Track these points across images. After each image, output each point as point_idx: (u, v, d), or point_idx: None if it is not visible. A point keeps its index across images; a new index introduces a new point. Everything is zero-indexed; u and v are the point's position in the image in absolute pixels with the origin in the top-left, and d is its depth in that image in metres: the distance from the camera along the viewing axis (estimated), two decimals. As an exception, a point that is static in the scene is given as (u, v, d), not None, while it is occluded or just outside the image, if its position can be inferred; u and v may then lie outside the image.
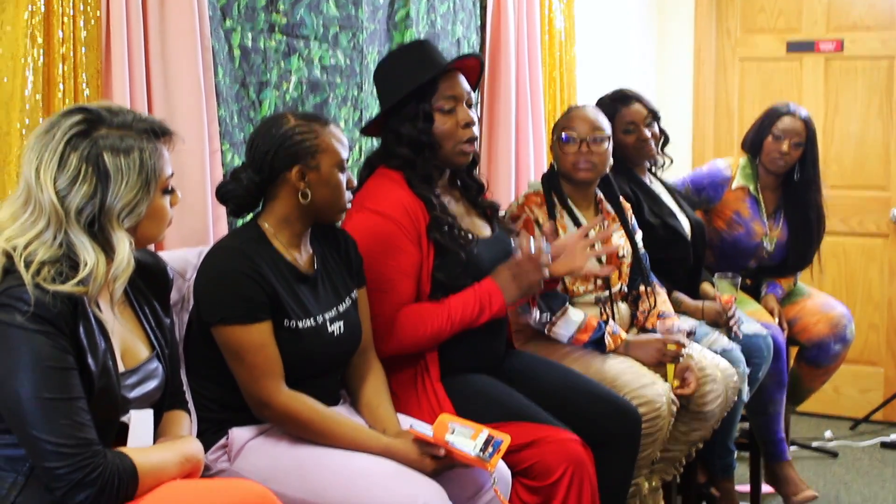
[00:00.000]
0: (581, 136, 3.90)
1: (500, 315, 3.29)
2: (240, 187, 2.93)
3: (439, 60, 3.39)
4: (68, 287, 2.20)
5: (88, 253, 2.25)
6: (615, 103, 4.54)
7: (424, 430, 2.95)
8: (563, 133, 3.94)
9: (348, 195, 2.99)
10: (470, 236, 3.35)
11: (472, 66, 3.50)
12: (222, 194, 2.97)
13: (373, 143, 4.08)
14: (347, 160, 2.98)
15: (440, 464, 2.86)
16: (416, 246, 3.26)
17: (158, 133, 2.39)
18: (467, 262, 3.29)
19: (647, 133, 4.51)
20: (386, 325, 3.22)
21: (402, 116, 3.35)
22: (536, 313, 3.40)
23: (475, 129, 3.38)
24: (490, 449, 2.86)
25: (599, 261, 3.85)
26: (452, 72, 3.38)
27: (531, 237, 3.29)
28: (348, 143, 3.02)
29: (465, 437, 2.88)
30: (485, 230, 3.49)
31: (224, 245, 2.93)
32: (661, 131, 4.63)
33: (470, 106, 3.38)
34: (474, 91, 3.48)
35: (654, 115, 4.56)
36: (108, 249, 2.29)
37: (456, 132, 3.34)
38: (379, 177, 3.38)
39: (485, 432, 2.90)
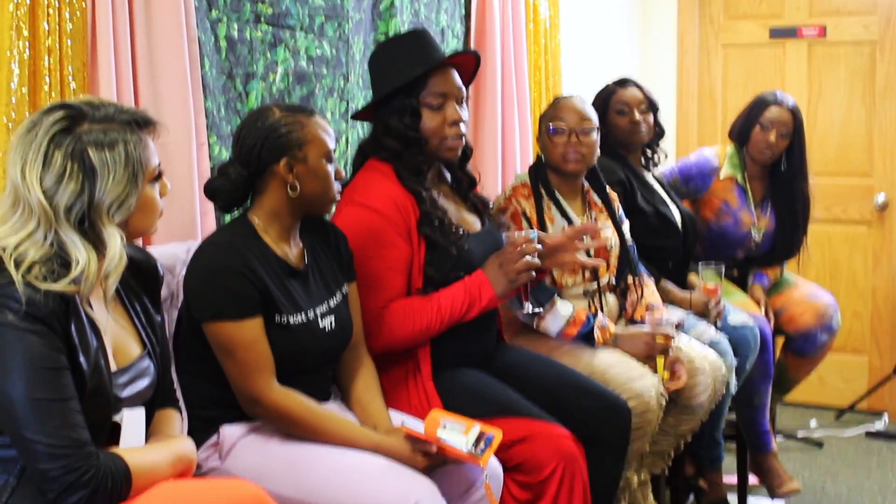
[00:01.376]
0: (570, 126, 3.88)
1: (491, 307, 3.27)
2: (228, 182, 2.90)
3: (433, 54, 3.36)
4: (60, 286, 2.17)
5: (80, 251, 2.22)
6: (614, 86, 4.56)
7: (416, 426, 2.94)
8: (550, 124, 3.91)
9: (337, 186, 2.97)
10: (461, 231, 3.33)
11: (468, 62, 3.47)
12: (211, 191, 2.95)
13: (360, 135, 4.06)
14: (335, 151, 2.96)
15: (432, 460, 2.85)
16: (406, 240, 3.23)
17: (142, 123, 2.36)
18: (458, 256, 3.27)
19: (639, 117, 4.50)
20: (375, 320, 3.19)
21: (390, 108, 3.32)
22: (528, 307, 3.38)
23: (463, 127, 3.34)
24: (482, 444, 2.85)
25: (588, 254, 3.85)
26: (445, 67, 3.35)
27: (518, 228, 3.27)
28: (335, 135, 2.99)
29: (456, 433, 2.87)
30: (475, 224, 3.47)
31: (214, 241, 2.90)
32: (657, 124, 4.62)
33: (460, 102, 3.34)
34: (467, 88, 3.45)
35: (650, 104, 4.57)
36: (99, 246, 2.26)
37: (443, 129, 3.31)
38: (368, 169, 3.36)
39: (476, 428, 2.88)
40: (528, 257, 3.21)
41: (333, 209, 3.20)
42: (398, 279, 3.23)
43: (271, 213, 2.91)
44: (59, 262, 2.21)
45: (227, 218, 3.26)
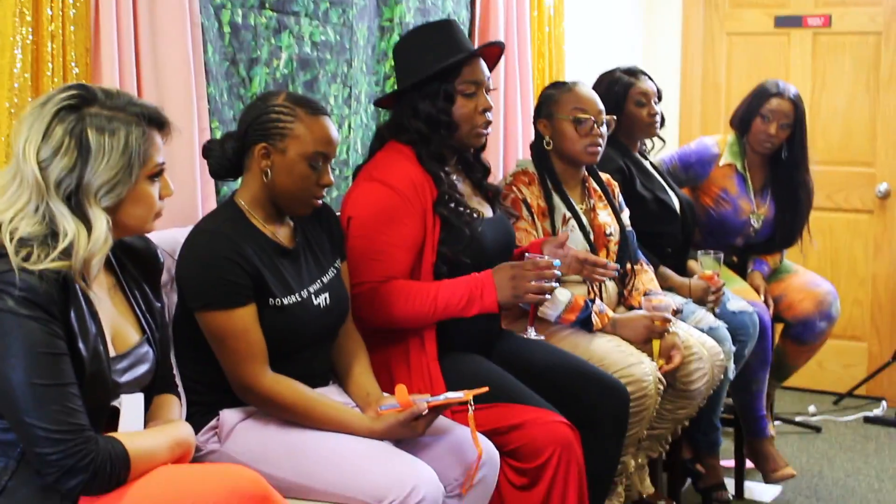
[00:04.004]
0: (593, 117, 3.90)
1: (490, 310, 3.26)
2: (220, 150, 2.94)
3: (465, 43, 3.42)
4: (52, 262, 2.20)
5: (68, 223, 2.24)
6: (629, 76, 4.58)
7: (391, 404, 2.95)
8: (574, 115, 3.90)
9: (321, 193, 2.96)
10: (474, 214, 3.37)
11: (491, 53, 3.54)
12: (205, 149, 2.98)
13: (363, 120, 4.09)
14: (328, 158, 2.93)
15: (426, 420, 2.87)
16: (420, 221, 3.27)
17: (153, 120, 2.38)
18: (471, 238, 3.31)
19: (657, 109, 4.53)
20: (370, 294, 3.22)
21: (422, 93, 3.36)
22: (532, 332, 3.38)
23: (490, 115, 3.41)
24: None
25: (590, 242, 3.86)
26: (476, 56, 3.41)
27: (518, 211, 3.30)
28: (336, 136, 2.97)
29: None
30: (487, 211, 3.50)
31: (204, 228, 2.90)
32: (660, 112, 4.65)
33: (488, 92, 3.41)
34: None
35: (659, 95, 4.62)
36: (87, 224, 2.28)
37: (474, 117, 3.37)
38: (389, 150, 3.40)
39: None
40: (544, 282, 3.23)
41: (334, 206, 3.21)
42: (404, 257, 3.26)
43: (255, 196, 2.92)
44: (53, 240, 2.23)
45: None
